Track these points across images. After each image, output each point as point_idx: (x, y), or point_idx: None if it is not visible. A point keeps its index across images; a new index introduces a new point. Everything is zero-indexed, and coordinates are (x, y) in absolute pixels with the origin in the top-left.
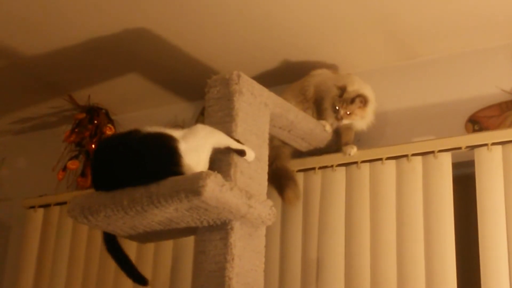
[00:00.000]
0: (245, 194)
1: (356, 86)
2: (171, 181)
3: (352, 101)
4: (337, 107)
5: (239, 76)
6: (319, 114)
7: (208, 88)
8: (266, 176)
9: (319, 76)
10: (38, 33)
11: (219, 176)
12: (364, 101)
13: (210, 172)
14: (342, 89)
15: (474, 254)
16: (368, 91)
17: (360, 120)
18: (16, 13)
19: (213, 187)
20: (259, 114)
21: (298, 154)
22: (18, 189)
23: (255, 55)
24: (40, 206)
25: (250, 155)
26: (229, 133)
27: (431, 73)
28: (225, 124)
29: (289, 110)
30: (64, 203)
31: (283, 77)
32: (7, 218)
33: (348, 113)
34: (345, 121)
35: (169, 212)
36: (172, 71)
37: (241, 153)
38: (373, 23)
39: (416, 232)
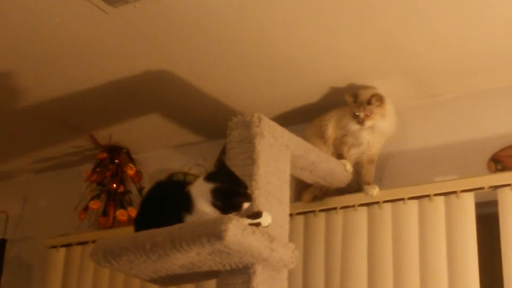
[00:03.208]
0: (267, 237)
1: (367, 89)
2: (193, 225)
3: (369, 102)
4: (356, 113)
5: (260, 119)
6: (340, 153)
7: (229, 130)
8: (287, 218)
9: (334, 116)
10: (61, 76)
11: (240, 220)
12: (380, 98)
13: (232, 216)
14: (355, 95)
15: None
16: (380, 91)
17: (382, 120)
18: (40, 57)
19: (235, 231)
20: (280, 156)
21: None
22: (40, 228)
23: (275, 94)
24: (62, 246)
25: (266, 220)
26: (251, 175)
27: (452, 111)
28: (247, 167)
29: (310, 151)
30: (86, 242)
31: (303, 116)
32: (29, 257)
33: (368, 114)
34: (368, 123)
35: (191, 256)
36: (192, 110)
37: (257, 224)
38: (394, 62)
39: (440, 273)
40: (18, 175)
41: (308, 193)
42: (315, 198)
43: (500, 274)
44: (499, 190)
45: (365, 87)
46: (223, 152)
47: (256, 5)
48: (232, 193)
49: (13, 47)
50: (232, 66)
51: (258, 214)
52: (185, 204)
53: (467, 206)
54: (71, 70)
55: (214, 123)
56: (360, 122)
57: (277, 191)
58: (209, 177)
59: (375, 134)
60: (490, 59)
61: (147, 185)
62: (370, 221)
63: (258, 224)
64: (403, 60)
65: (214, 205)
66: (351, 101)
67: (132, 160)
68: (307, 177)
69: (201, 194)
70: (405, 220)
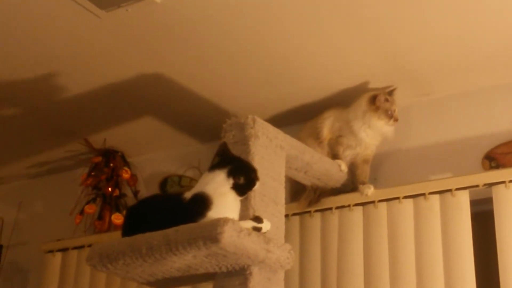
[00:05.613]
0: (263, 239)
1: (372, 93)
2: (189, 228)
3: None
4: (389, 112)
5: (254, 120)
6: (335, 153)
7: (223, 132)
8: (283, 219)
9: (330, 117)
10: (55, 80)
11: (236, 222)
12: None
13: (228, 218)
14: (383, 94)
15: None
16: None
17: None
18: (32, 61)
19: (231, 233)
20: (275, 157)
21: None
22: (36, 233)
23: (269, 96)
24: (58, 250)
25: (266, 227)
26: None
27: (446, 110)
28: None
29: (304, 152)
30: (82, 247)
31: (298, 117)
32: (25, 262)
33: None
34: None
35: (187, 259)
36: (187, 113)
37: (258, 229)
38: (387, 61)
39: (436, 271)
40: (13, 180)
41: (303, 200)
42: (310, 203)
43: (496, 272)
44: (494, 188)
45: (371, 91)
46: (217, 154)
47: (250, 7)
48: (248, 168)
49: (5, 53)
50: (226, 68)
51: (260, 219)
52: (201, 204)
53: (462, 204)
54: (64, 74)
55: (208, 125)
56: (396, 118)
57: (272, 192)
58: (215, 166)
59: (376, 135)
60: (484, 58)
61: (142, 188)
62: (366, 221)
63: (259, 229)
64: (398, 60)
65: (235, 186)
66: (383, 99)
67: (127, 164)
68: (302, 178)
69: (216, 185)
70: (401, 219)
